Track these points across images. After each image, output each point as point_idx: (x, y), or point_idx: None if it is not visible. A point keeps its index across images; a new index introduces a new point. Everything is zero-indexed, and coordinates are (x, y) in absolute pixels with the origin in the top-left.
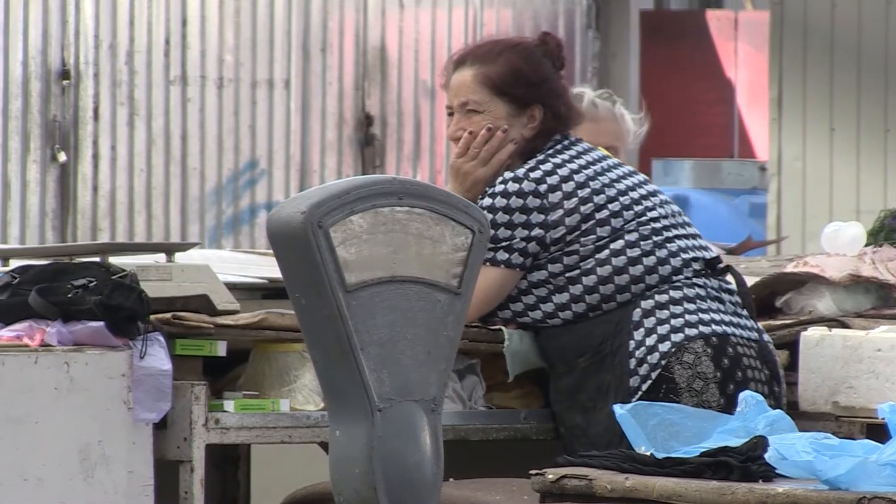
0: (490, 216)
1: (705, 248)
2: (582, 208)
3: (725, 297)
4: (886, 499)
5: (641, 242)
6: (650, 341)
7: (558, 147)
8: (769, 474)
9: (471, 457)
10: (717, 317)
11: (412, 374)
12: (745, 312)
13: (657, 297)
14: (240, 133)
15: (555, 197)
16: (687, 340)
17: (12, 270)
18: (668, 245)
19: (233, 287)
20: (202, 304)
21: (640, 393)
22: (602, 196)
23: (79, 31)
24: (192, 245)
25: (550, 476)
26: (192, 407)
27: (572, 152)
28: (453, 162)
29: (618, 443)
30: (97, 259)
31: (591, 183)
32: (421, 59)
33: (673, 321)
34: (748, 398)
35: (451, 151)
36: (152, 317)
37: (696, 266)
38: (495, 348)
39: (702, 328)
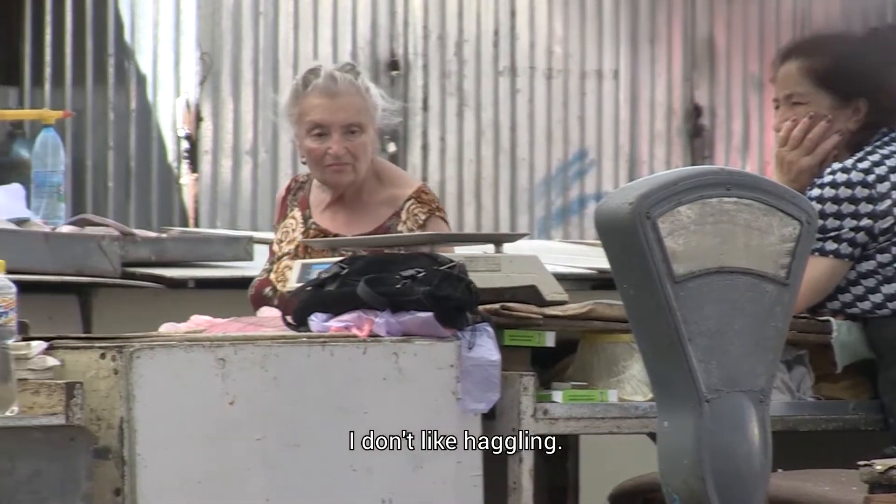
0: (818, 206)
1: None
2: None
3: None
4: None
5: None
6: None
7: (885, 139)
8: None
9: (798, 447)
10: None
11: (740, 364)
12: None
13: None
14: (569, 124)
15: (883, 187)
16: None
17: (341, 261)
18: None
19: (561, 277)
20: (530, 294)
21: None
22: None
23: (407, 22)
24: (521, 236)
25: (879, 467)
26: (520, 397)
27: None
28: (777, 152)
29: None
30: (426, 250)
31: None
32: (749, 50)
33: None
34: None
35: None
36: (481, 307)
37: None
38: (823, 339)
39: None
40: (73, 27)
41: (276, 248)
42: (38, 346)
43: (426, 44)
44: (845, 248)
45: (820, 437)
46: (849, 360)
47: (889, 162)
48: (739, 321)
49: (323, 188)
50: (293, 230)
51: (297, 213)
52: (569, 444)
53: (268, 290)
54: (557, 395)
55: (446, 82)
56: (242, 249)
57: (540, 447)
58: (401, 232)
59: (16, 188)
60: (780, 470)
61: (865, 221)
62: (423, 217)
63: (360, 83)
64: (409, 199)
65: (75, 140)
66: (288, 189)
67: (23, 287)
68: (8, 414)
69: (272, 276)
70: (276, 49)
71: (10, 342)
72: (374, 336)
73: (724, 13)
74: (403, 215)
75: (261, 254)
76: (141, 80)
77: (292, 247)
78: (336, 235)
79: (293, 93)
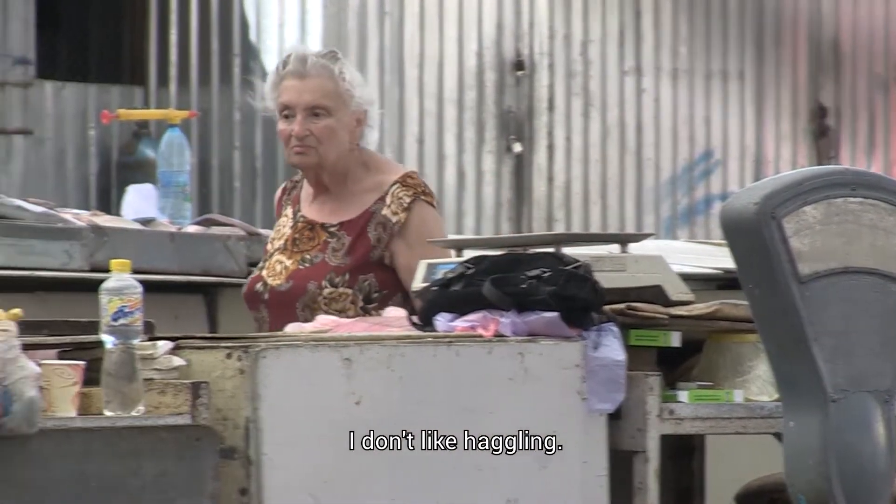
0: None
1: None
2: None
3: None
4: None
5: None
6: None
7: None
8: None
9: None
10: None
11: (866, 365)
12: None
13: None
14: (694, 123)
15: None
16: None
17: (467, 261)
18: None
19: (687, 277)
20: (656, 294)
21: None
22: None
23: (533, 22)
24: (646, 236)
25: None
26: (646, 397)
27: None
28: None
29: None
30: (551, 249)
31: None
32: (874, 51)
33: None
34: None
35: None
36: (606, 307)
37: None
38: None
39: None
40: (199, 27)
41: (269, 246)
42: (164, 345)
43: (552, 44)
44: None
45: None
46: None
47: None
48: (865, 321)
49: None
50: (284, 226)
51: (289, 210)
52: (695, 444)
53: (259, 285)
54: (683, 396)
55: (572, 82)
56: None
57: (665, 447)
58: (385, 216)
59: (147, 189)
60: None
61: None
62: (407, 200)
63: (335, 68)
64: (394, 184)
65: (201, 140)
66: (284, 189)
67: (149, 287)
68: (134, 414)
69: (264, 272)
70: (402, 49)
71: (136, 342)
72: (499, 336)
73: (850, 15)
74: (388, 199)
75: None
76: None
77: (282, 242)
78: (323, 225)
79: (273, 77)
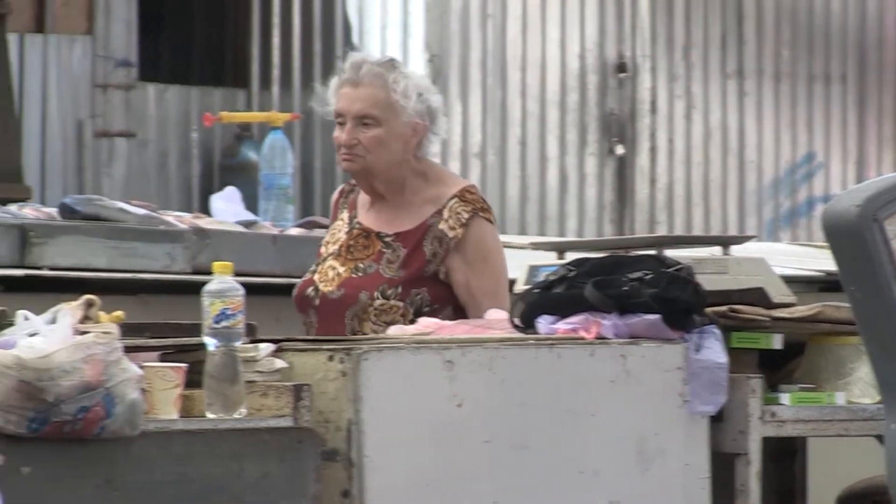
0: None
1: None
2: None
3: None
4: None
5: None
6: None
7: None
8: None
9: None
10: None
11: None
12: None
13: None
14: (797, 126)
15: None
16: None
17: (569, 263)
18: None
19: (789, 280)
20: (758, 296)
21: None
22: None
23: (635, 25)
24: (748, 238)
25: None
26: (748, 400)
27: None
28: None
29: None
30: (653, 252)
31: None
32: None
33: None
34: None
35: None
36: (708, 310)
37: None
38: None
39: None
40: (301, 29)
41: (322, 249)
42: (267, 348)
43: (654, 47)
44: None
45: None
46: None
47: None
48: None
49: None
50: (339, 231)
51: (345, 214)
52: (796, 446)
53: (310, 290)
54: (785, 398)
55: (674, 85)
56: None
57: (767, 449)
58: (442, 230)
59: (231, 191)
60: None
61: None
62: (465, 216)
63: (390, 77)
64: (452, 198)
65: (303, 142)
66: (341, 192)
67: (250, 289)
68: (236, 416)
69: (316, 276)
70: (504, 51)
71: (238, 344)
72: (601, 338)
73: None
74: (445, 213)
75: None
76: None
77: (336, 247)
78: (378, 233)
79: (333, 83)
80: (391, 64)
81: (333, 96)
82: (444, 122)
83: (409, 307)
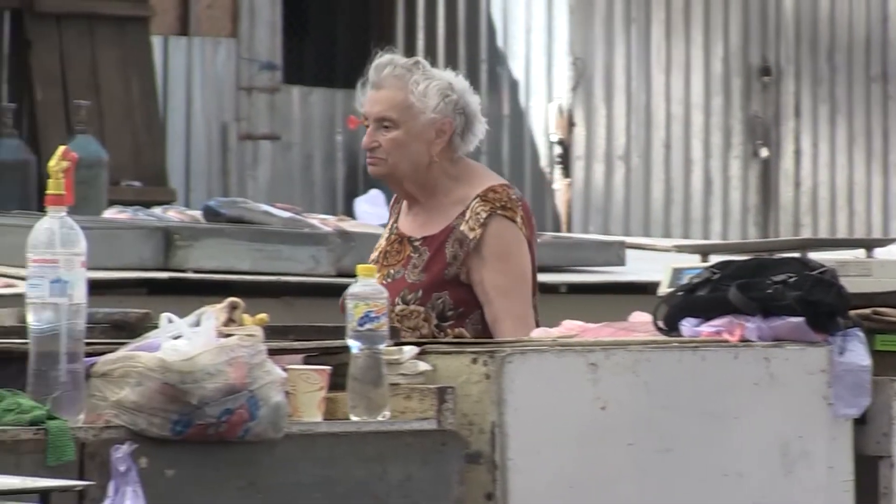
0: None
1: None
2: None
3: None
4: None
5: None
6: None
7: None
8: None
9: None
10: None
11: None
12: None
13: None
14: None
15: None
16: None
17: (713, 266)
18: None
19: None
20: None
21: None
22: None
23: (779, 29)
24: (892, 241)
25: None
26: (891, 402)
27: None
28: None
29: None
30: (797, 254)
31: None
32: None
33: None
34: None
35: None
36: (851, 312)
37: None
38: None
39: None
40: (446, 33)
41: (373, 254)
42: (410, 351)
43: (798, 50)
44: None
45: None
46: None
47: None
48: None
49: None
50: (383, 237)
51: (391, 220)
52: None
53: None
54: None
55: (818, 89)
56: (614, 254)
57: None
58: (462, 232)
59: (375, 194)
60: None
61: None
62: (483, 215)
63: (411, 79)
64: (475, 198)
65: None
66: (396, 199)
67: None
68: (380, 419)
69: None
70: (649, 55)
71: (382, 347)
72: (745, 341)
73: None
74: (468, 214)
75: (632, 259)
76: (513, 85)
77: (376, 254)
78: (409, 238)
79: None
80: (415, 65)
81: (361, 99)
82: (482, 123)
83: (431, 311)
